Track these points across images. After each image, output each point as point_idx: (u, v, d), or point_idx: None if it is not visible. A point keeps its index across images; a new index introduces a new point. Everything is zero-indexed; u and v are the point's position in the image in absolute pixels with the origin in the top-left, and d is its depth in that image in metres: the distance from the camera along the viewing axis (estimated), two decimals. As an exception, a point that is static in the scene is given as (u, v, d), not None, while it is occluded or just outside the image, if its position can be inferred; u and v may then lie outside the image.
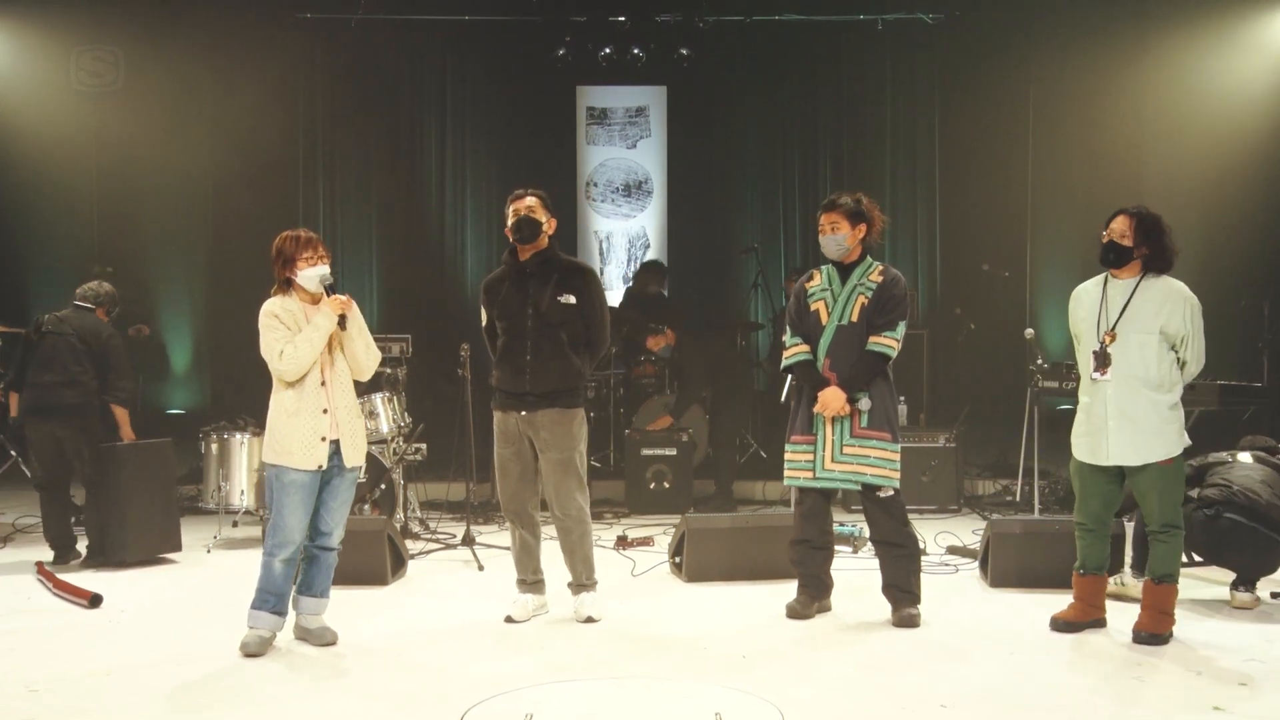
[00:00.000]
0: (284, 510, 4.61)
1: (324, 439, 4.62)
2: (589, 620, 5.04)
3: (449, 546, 6.75)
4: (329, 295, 4.68)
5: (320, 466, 4.62)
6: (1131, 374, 4.68)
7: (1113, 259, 4.77)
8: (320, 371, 4.65)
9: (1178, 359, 4.71)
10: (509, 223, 5.05)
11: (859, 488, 5.00)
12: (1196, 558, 5.35)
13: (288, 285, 4.69)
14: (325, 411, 4.63)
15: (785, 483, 5.24)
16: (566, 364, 5.01)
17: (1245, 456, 5.41)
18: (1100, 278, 4.88)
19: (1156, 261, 4.75)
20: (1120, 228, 4.76)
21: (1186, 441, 4.75)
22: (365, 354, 4.77)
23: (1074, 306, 4.96)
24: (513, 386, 5.02)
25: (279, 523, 4.62)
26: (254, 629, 4.61)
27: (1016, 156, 10.71)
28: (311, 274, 4.66)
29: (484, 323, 5.24)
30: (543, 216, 5.01)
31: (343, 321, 4.65)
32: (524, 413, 5.00)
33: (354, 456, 4.72)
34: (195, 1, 10.17)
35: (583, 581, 5.16)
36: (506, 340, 5.06)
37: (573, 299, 5.01)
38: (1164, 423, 4.68)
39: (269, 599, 4.63)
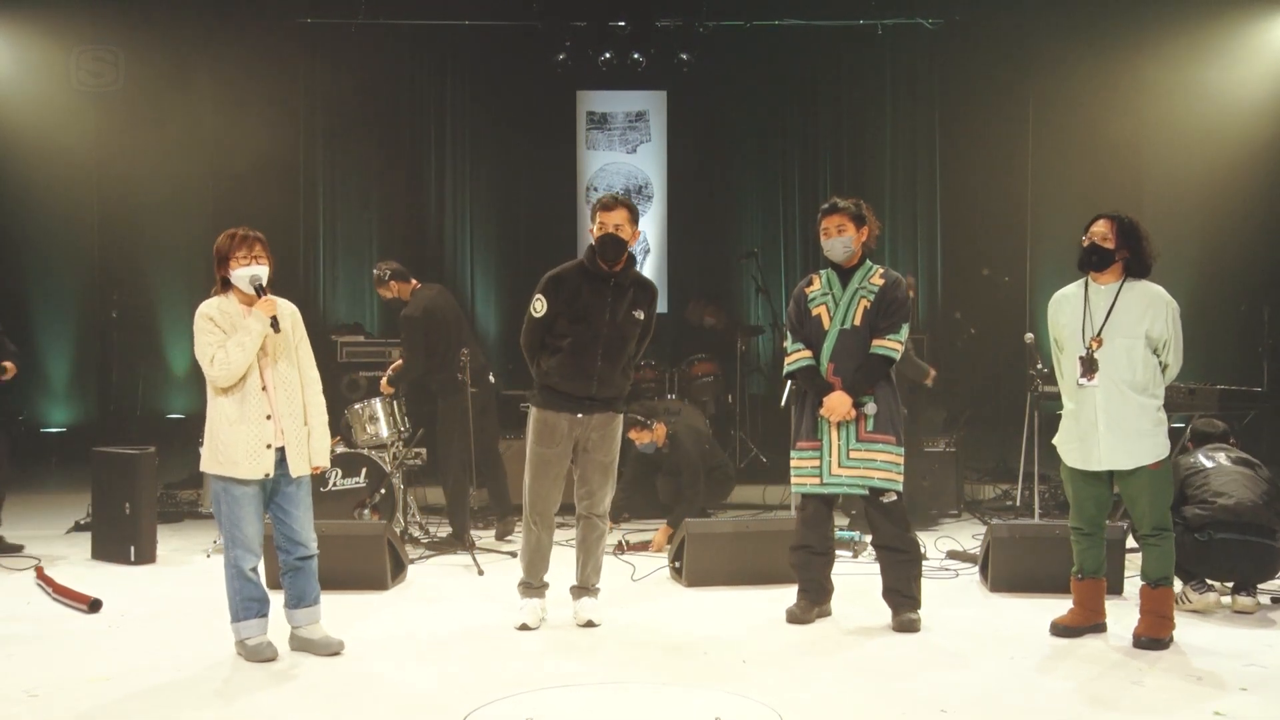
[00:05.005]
0: (242, 523, 4.49)
1: (269, 446, 4.48)
2: (589, 624, 5.04)
3: (449, 551, 6.74)
4: (260, 297, 4.55)
5: (267, 475, 4.48)
6: (1119, 378, 4.70)
7: (1095, 261, 4.80)
8: (260, 376, 4.51)
9: (1159, 362, 4.74)
10: (594, 229, 5.01)
11: (866, 492, 5.00)
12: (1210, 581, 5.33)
13: (226, 285, 4.56)
14: (269, 418, 4.50)
15: (792, 489, 5.24)
16: (626, 374, 5.13)
17: (1209, 461, 5.44)
18: (1080, 283, 4.89)
19: (1136, 265, 4.77)
20: (1101, 230, 4.78)
21: (1170, 444, 4.79)
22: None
23: (1054, 312, 4.96)
24: (577, 390, 5.00)
25: (238, 535, 4.49)
26: (254, 638, 4.55)
27: (1017, 161, 10.72)
28: (242, 274, 4.51)
29: (539, 314, 5.03)
30: (628, 234, 4.98)
31: (275, 324, 4.51)
32: (580, 415, 5.02)
33: (299, 465, 4.58)
34: (195, 3, 10.19)
35: (588, 585, 5.18)
36: (576, 343, 4.99)
37: (641, 315, 5.07)
38: (1152, 425, 4.71)
39: (252, 605, 4.55)
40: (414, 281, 7.14)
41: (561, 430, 5.04)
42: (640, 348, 5.23)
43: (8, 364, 6.97)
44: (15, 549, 6.73)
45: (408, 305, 7.01)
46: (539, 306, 5.04)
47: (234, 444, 4.45)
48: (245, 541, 4.51)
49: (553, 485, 5.09)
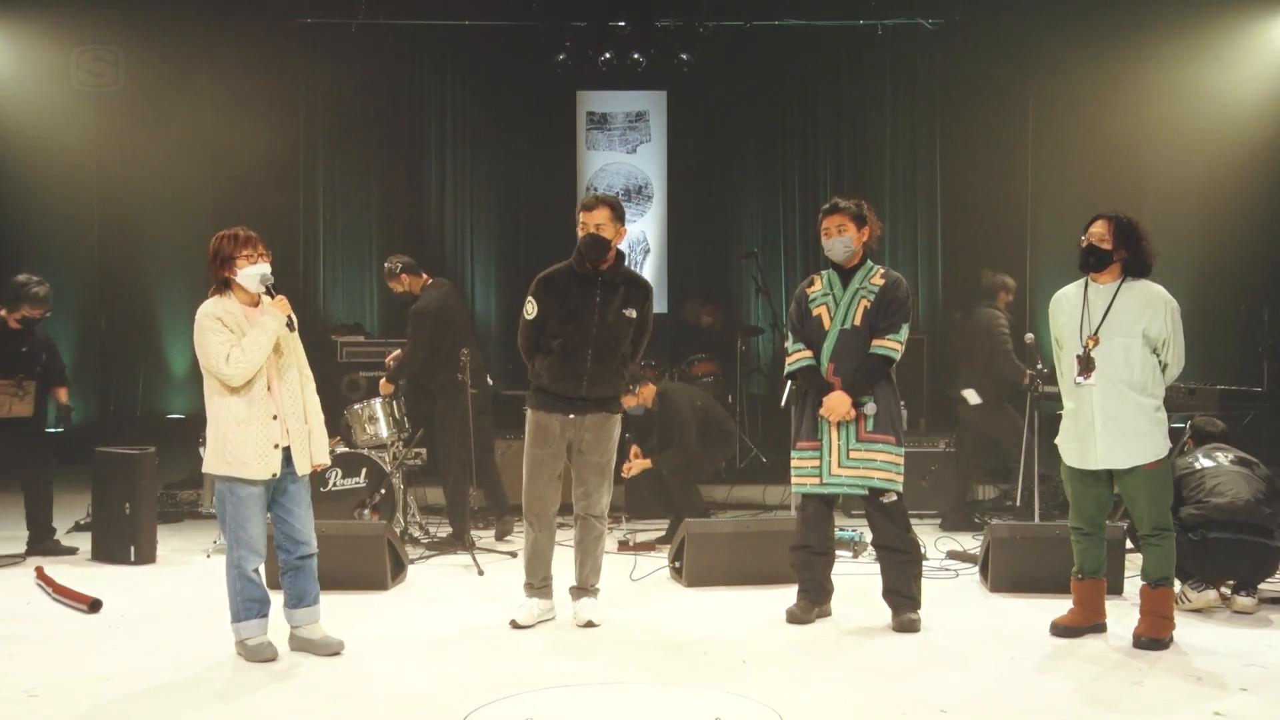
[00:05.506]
0: (247, 523, 4.49)
1: (276, 446, 4.48)
2: (589, 624, 5.04)
3: (449, 551, 6.75)
4: (271, 296, 4.56)
5: (274, 475, 4.49)
6: (1116, 377, 4.70)
7: (1093, 262, 4.81)
8: (267, 376, 4.52)
9: (1159, 361, 4.73)
10: (579, 230, 5.01)
11: (866, 492, 5.00)
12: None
13: (225, 286, 4.55)
14: (275, 418, 4.50)
15: (792, 490, 5.24)
16: (619, 374, 5.11)
17: (1207, 461, 5.44)
18: (1080, 283, 4.90)
19: (1135, 265, 4.77)
20: (1099, 231, 4.79)
21: (1168, 445, 4.77)
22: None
23: (1054, 312, 4.97)
24: (568, 390, 5.01)
25: (242, 535, 4.49)
26: (255, 638, 4.56)
27: (1017, 162, 10.72)
28: (252, 273, 4.51)
29: (531, 316, 5.08)
30: (610, 233, 4.97)
31: (291, 322, 4.54)
32: (572, 415, 5.02)
33: (304, 464, 4.59)
34: (195, 3, 10.19)
35: (587, 586, 5.17)
36: (566, 344, 5.00)
37: (634, 314, 5.05)
38: (1150, 425, 4.70)
39: (253, 606, 4.55)
40: (425, 276, 7.14)
41: (554, 431, 5.04)
42: (639, 347, 5.22)
43: (62, 395, 6.96)
44: (69, 551, 6.71)
45: (420, 299, 7.02)
46: (530, 309, 5.08)
47: (243, 445, 4.44)
48: (249, 542, 4.51)
49: (548, 486, 5.08)
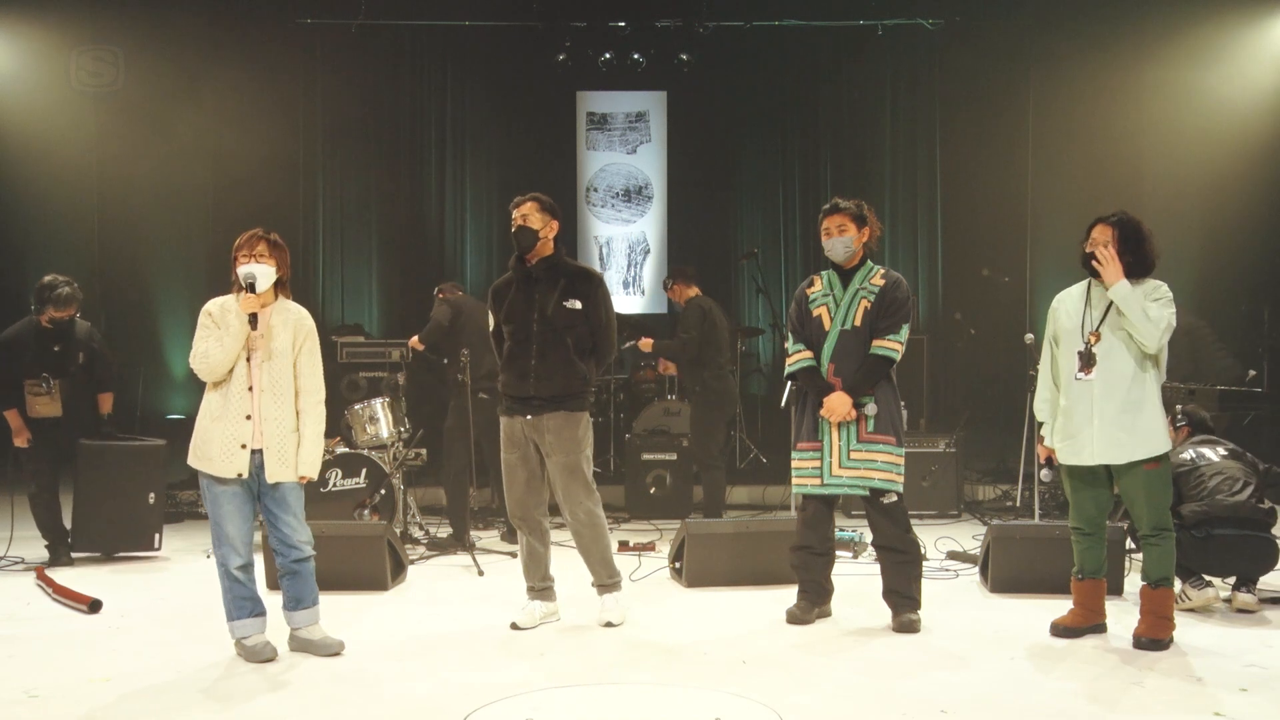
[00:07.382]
0: (222, 521, 4.49)
1: (244, 446, 4.45)
2: (607, 625, 5.03)
3: (449, 552, 6.75)
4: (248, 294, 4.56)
5: (240, 475, 4.45)
6: (1116, 374, 4.70)
7: (1096, 269, 4.78)
8: (248, 376, 4.50)
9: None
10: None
11: (867, 493, 5.00)
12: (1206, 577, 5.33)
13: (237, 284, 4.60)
14: (249, 418, 4.47)
15: (793, 490, 5.24)
16: (571, 368, 5.01)
17: (1203, 456, 5.43)
18: (1084, 283, 4.90)
19: (1138, 266, 4.75)
20: (1101, 237, 4.77)
21: (1169, 445, 4.76)
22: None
23: (1054, 311, 4.96)
24: (518, 391, 5.01)
25: (221, 533, 4.49)
26: (250, 637, 4.56)
27: (1017, 162, 10.73)
28: (240, 272, 4.54)
29: (491, 328, 5.23)
30: (538, 223, 5.00)
31: (253, 320, 4.49)
32: (529, 416, 5.00)
33: (279, 471, 4.49)
34: (195, 3, 10.20)
35: (604, 581, 5.16)
36: (512, 345, 5.06)
37: (578, 304, 5.02)
38: (1148, 422, 4.69)
39: (244, 605, 4.56)
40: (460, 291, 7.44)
41: (518, 434, 5.05)
42: (601, 342, 5.11)
43: (104, 404, 6.84)
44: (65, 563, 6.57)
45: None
46: (490, 321, 5.18)
47: (210, 440, 4.47)
48: (229, 540, 4.52)
49: (526, 489, 5.08)
